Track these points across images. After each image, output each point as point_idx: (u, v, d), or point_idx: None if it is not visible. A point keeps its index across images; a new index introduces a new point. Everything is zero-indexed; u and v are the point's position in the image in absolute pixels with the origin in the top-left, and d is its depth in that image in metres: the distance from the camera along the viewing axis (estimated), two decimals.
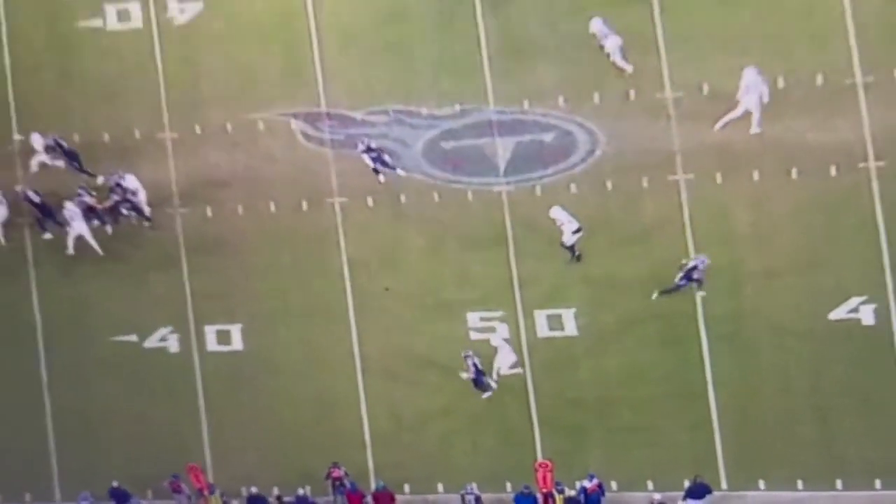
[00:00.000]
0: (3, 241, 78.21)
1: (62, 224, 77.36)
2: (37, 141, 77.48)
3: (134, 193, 76.11)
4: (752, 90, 72.94)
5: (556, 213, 72.33)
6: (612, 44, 74.48)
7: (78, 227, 76.78)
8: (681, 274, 71.43)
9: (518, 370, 72.99)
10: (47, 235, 78.04)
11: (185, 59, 78.62)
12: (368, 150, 75.36)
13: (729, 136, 73.72)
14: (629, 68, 74.61)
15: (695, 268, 71.19)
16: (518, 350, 73.59)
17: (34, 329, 77.53)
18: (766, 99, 72.41)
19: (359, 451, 74.21)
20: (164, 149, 77.49)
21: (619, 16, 75.14)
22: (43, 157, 77.70)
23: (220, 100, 78.00)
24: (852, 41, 73.72)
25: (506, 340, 73.07)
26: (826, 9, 73.81)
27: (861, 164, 72.37)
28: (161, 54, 78.56)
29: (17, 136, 79.04)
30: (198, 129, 77.93)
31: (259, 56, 78.38)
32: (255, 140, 77.03)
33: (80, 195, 76.71)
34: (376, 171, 75.31)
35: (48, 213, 77.64)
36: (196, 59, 78.66)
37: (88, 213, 76.94)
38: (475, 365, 72.29)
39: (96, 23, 79.30)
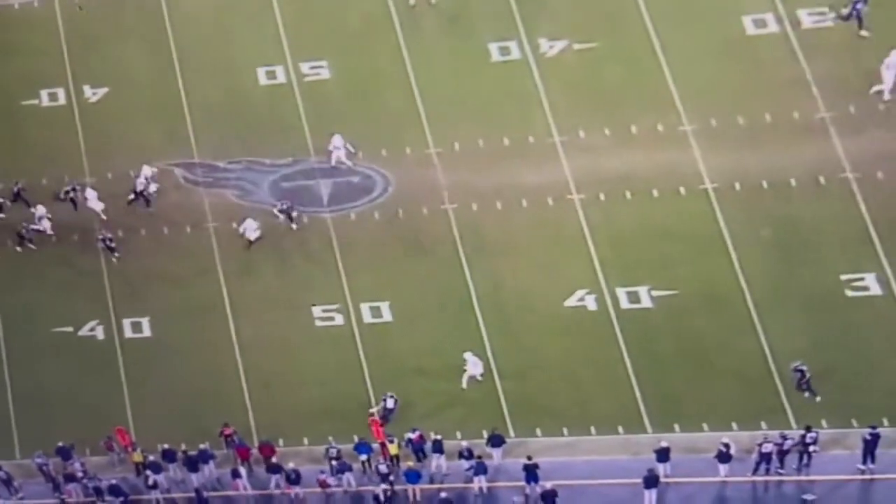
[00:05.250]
0: None
1: None
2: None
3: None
4: (892, 68, 48.69)
5: None
6: (336, 154, 51.84)
7: None
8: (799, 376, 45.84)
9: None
10: None
11: (97, 126, 54.34)
12: (281, 210, 51.37)
13: (477, 178, 50.95)
14: (349, 164, 52.12)
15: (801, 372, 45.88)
16: (351, 334, 49.47)
17: None
18: None
19: (243, 413, 49.11)
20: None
21: (387, 96, 53.06)
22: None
23: (125, 154, 53.40)
24: (548, 111, 51.58)
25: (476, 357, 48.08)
26: (523, 88, 51.78)
27: (568, 196, 50.13)
28: (81, 124, 54.33)
29: None
30: (109, 175, 53.34)
31: (150, 124, 54.26)
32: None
33: None
34: (290, 220, 51.23)
35: None
36: (105, 126, 54.47)
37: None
38: (385, 402, 47.52)
39: (33, 102, 54.53)
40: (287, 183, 53.02)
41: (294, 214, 51.54)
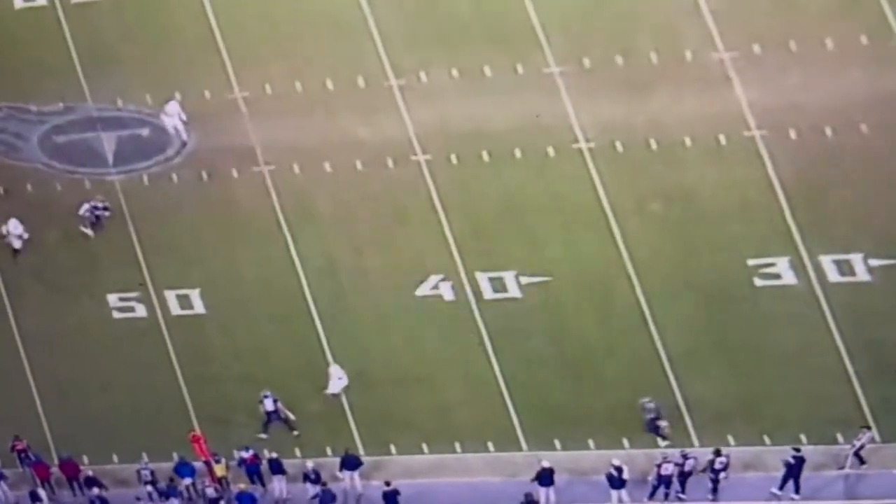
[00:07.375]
0: None
1: None
2: None
3: None
4: None
5: None
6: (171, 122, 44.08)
7: None
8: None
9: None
10: None
11: None
12: (93, 209, 43.39)
13: (297, 132, 43.46)
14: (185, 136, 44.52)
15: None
16: (157, 329, 42.30)
17: None
18: None
19: (36, 424, 42.20)
20: None
21: (176, 22, 44.33)
22: None
23: None
24: (379, 45, 43.36)
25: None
26: (345, 13, 43.31)
27: (412, 157, 42.64)
28: None
29: None
30: None
31: None
32: None
33: None
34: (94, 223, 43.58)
35: None
36: None
37: None
38: (264, 403, 40.62)
39: None
40: (61, 137, 45.44)
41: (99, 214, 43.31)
